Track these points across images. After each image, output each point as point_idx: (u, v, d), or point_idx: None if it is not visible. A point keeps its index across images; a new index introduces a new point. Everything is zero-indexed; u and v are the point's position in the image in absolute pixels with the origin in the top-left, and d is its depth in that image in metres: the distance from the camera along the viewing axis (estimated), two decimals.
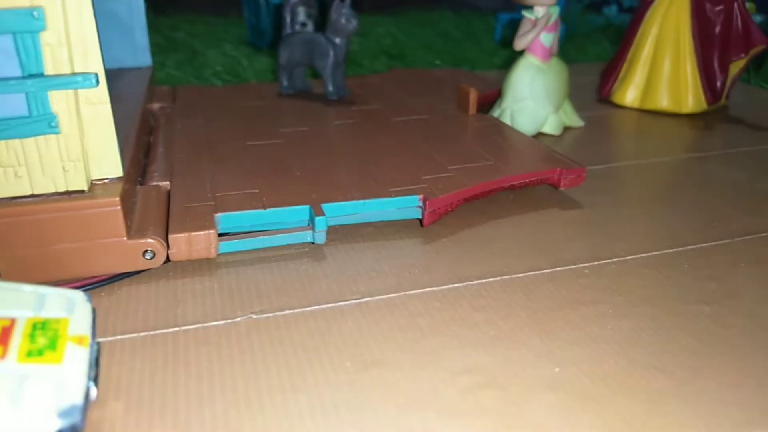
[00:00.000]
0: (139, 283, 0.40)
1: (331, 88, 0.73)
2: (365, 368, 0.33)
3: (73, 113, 0.37)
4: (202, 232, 0.41)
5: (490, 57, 1.05)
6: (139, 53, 0.75)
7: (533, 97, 0.66)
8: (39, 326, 0.27)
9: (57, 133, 0.37)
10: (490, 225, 0.48)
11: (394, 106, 0.70)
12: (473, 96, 0.66)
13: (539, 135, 0.68)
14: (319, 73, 0.73)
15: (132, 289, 0.40)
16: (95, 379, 0.27)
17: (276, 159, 0.54)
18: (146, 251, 0.40)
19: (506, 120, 0.67)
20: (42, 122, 0.37)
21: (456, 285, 0.40)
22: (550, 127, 0.68)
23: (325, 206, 0.44)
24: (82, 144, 0.39)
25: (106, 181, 0.41)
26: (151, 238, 0.40)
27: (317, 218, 0.43)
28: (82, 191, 0.39)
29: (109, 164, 0.41)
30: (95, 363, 0.27)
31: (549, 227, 0.48)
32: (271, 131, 0.61)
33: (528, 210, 0.50)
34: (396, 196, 0.46)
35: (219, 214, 0.43)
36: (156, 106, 0.71)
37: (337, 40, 0.71)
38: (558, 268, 0.42)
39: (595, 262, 0.43)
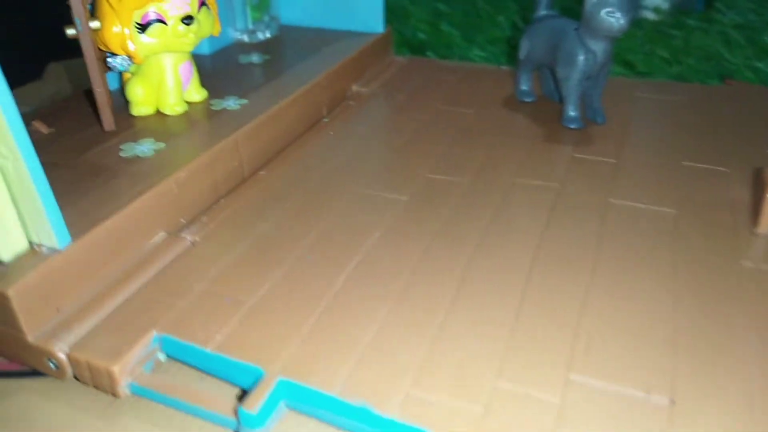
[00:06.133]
0: (40, 393, 0.31)
1: (572, 113, 0.48)
2: None
3: None
4: (102, 363, 0.28)
5: None
6: (368, 16, 0.62)
7: None
8: None
9: None
10: None
11: (648, 170, 0.43)
12: None
13: None
14: (559, 84, 0.48)
15: (22, 401, 0.30)
16: None
17: (348, 237, 0.36)
18: (50, 359, 0.30)
19: None
20: None
21: None
22: None
23: (285, 383, 0.27)
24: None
25: (44, 248, 0.31)
26: (57, 346, 0.30)
27: (241, 410, 0.26)
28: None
29: (42, 230, 0.31)
30: None
31: None
32: (412, 174, 0.43)
33: None
34: None
35: (157, 334, 0.30)
36: (354, 87, 0.57)
37: (592, 44, 0.45)
38: None
39: None
